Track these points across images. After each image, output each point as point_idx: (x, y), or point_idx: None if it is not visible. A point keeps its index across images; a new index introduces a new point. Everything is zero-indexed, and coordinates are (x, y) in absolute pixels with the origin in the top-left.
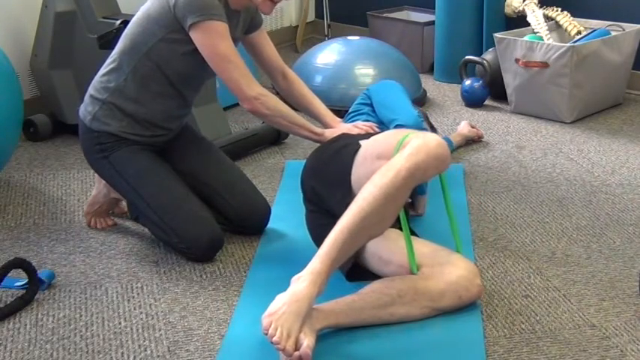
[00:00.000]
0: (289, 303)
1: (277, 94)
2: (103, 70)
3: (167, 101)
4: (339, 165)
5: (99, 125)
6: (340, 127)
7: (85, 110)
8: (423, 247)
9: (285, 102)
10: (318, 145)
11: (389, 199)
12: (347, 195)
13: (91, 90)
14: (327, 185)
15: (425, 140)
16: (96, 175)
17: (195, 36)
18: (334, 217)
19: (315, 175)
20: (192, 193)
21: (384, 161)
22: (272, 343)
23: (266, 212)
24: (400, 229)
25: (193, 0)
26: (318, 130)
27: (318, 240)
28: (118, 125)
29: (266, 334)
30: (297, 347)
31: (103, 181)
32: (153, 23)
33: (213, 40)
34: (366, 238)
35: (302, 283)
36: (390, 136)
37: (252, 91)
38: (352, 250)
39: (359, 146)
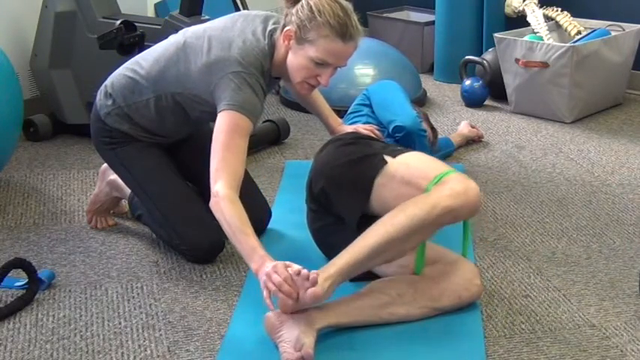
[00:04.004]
0: None
1: (278, 93)
2: (129, 72)
3: (181, 127)
4: (359, 174)
5: (112, 122)
6: (342, 130)
7: (103, 103)
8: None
9: (291, 100)
10: (325, 143)
11: (416, 231)
12: (362, 206)
13: (111, 85)
14: (342, 190)
15: (465, 187)
16: (98, 173)
17: (220, 116)
18: (339, 219)
19: (329, 176)
20: (196, 195)
21: (412, 189)
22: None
23: (266, 214)
24: None
25: (236, 94)
26: (257, 258)
27: (319, 240)
28: (128, 126)
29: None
30: (298, 347)
31: (105, 180)
32: (189, 82)
33: (231, 131)
34: (381, 261)
35: (317, 287)
36: (425, 166)
37: (218, 187)
38: (365, 268)
39: (385, 162)
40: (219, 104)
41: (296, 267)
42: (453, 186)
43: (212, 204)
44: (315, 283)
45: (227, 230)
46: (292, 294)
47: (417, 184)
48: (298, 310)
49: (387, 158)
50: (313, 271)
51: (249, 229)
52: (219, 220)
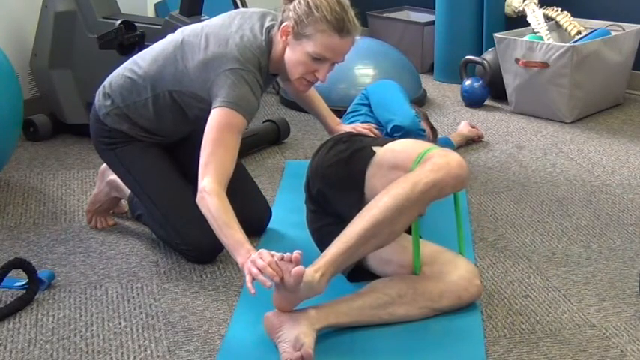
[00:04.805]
0: None
1: (278, 93)
2: (127, 72)
3: (180, 126)
4: (351, 170)
5: (112, 122)
6: (341, 130)
7: (102, 103)
8: (423, 247)
9: (291, 100)
10: (322, 144)
11: (402, 210)
12: (359, 201)
13: (110, 86)
14: (337, 189)
15: (447, 159)
16: (98, 174)
17: (214, 112)
18: (339, 219)
19: (323, 177)
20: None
21: (401, 172)
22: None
23: (266, 214)
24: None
25: (232, 91)
26: (244, 252)
27: (319, 240)
28: (128, 126)
29: None
30: (298, 347)
31: (105, 180)
32: (187, 80)
33: (223, 127)
34: (373, 247)
35: (299, 268)
36: (409, 147)
37: (205, 183)
38: (357, 256)
39: (373, 153)
40: (215, 100)
41: (279, 254)
42: (434, 161)
43: (198, 199)
44: (298, 262)
45: (213, 225)
46: (275, 276)
47: (403, 167)
48: (294, 304)
49: (376, 149)
50: (296, 251)
51: (235, 224)
52: (206, 215)
